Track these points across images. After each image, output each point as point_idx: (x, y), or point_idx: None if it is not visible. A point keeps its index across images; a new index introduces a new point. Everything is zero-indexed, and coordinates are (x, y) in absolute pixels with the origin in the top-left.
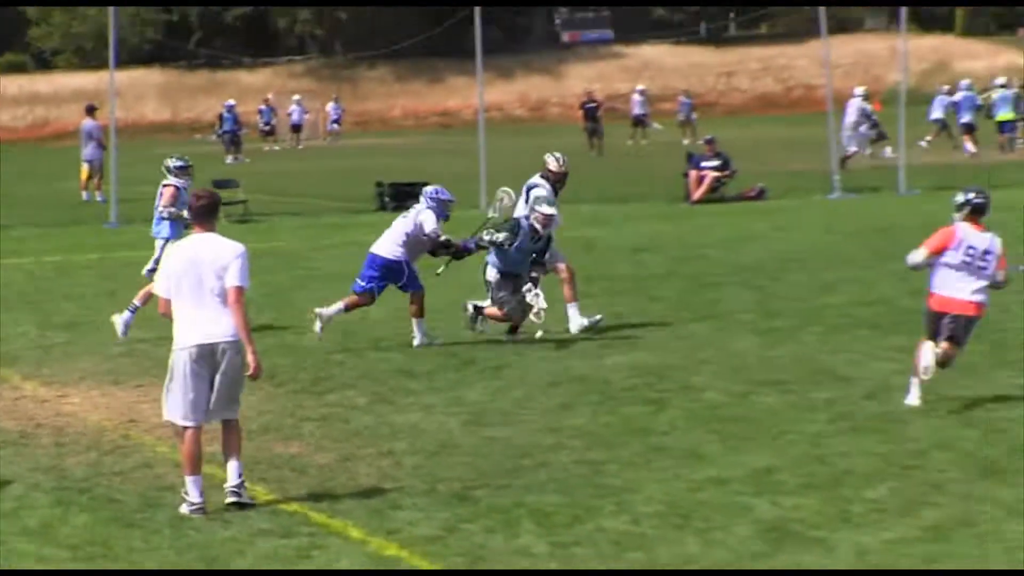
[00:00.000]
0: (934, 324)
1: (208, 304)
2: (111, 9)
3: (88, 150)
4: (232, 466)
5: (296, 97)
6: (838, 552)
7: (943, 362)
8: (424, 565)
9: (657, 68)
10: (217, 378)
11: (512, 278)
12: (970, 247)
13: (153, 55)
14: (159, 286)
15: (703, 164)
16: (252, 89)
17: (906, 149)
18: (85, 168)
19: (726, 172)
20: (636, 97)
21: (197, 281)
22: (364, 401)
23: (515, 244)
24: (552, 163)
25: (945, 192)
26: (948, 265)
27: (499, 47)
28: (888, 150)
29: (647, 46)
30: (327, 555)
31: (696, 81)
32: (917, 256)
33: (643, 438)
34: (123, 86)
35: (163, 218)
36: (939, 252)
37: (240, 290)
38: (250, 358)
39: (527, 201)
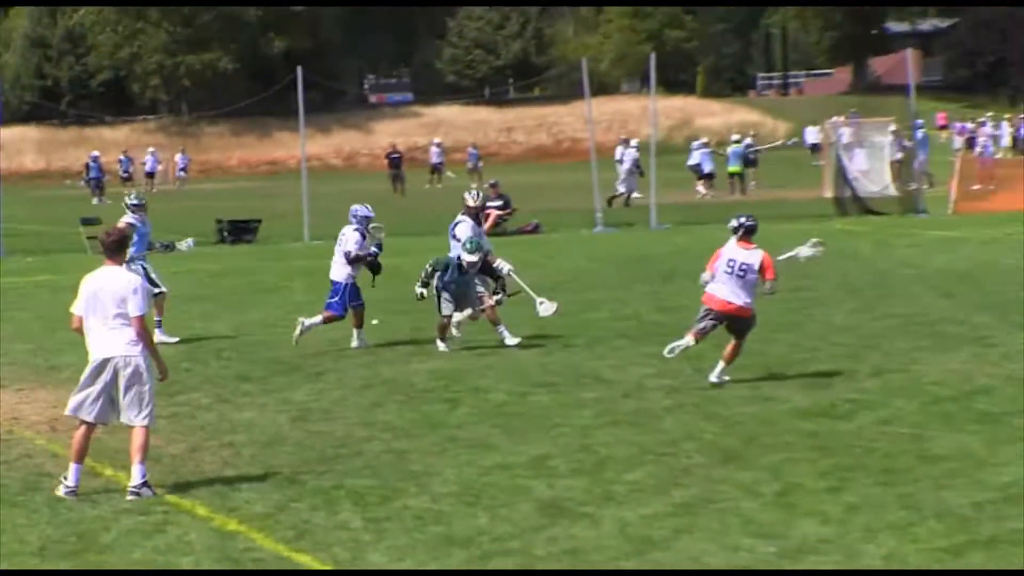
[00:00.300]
0: (701, 316)
1: (109, 325)
2: None
3: None
4: (135, 469)
5: (151, 150)
6: (603, 525)
7: (730, 359)
8: (259, 538)
9: (449, 125)
10: (107, 386)
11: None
12: (730, 260)
13: (30, 115)
14: (75, 307)
15: (488, 204)
16: (113, 143)
17: (656, 191)
18: None
19: (507, 211)
20: (434, 148)
21: (102, 306)
22: (208, 401)
23: (445, 277)
24: (468, 200)
25: (688, 227)
26: (717, 273)
27: (318, 107)
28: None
29: (441, 107)
30: (179, 529)
31: (481, 135)
32: (704, 275)
33: (440, 431)
34: (5, 141)
35: None
36: (714, 268)
37: (141, 318)
38: (160, 366)
39: (455, 239)
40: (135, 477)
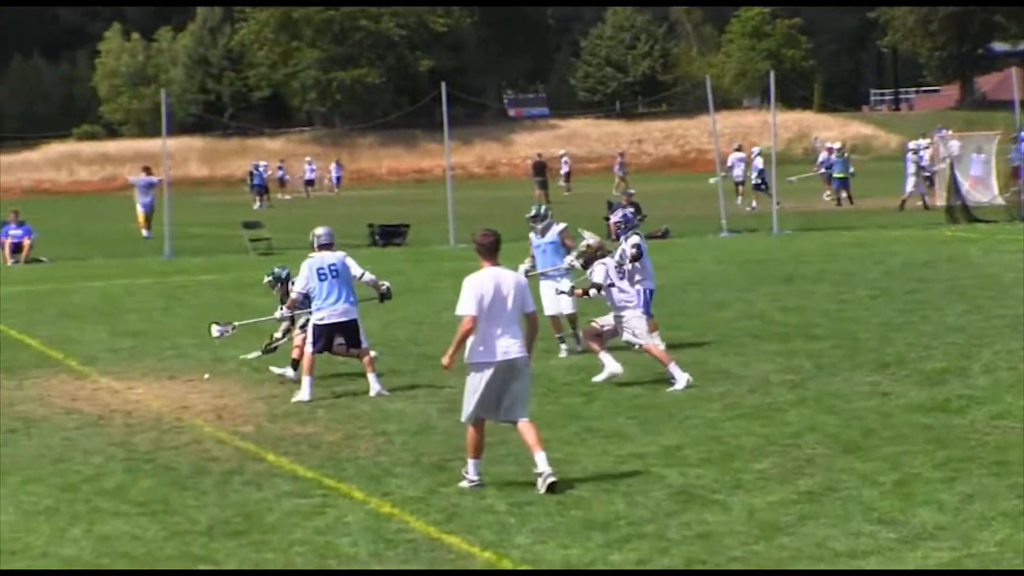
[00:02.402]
0: None
1: (507, 326)
2: (163, 92)
3: (145, 199)
4: (540, 457)
5: (308, 159)
6: (733, 511)
7: None
8: (411, 520)
9: (583, 137)
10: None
11: None
12: None
13: (196, 126)
14: (465, 308)
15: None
16: (272, 153)
17: (777, 198)
18: (141, 211)
19: (639, 217)
20: (564, 159)
21: (500, 304)
22: (362, 392)
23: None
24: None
25: (807, 233)
26: None
27: (461, 120)
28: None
29: (574, 120)
30: (337, 512)
31: (613, 147)
32: None
33: (578, 422)
34: (172, 150)
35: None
36: None
37: (535, 314)
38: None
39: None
40: (543, 464)
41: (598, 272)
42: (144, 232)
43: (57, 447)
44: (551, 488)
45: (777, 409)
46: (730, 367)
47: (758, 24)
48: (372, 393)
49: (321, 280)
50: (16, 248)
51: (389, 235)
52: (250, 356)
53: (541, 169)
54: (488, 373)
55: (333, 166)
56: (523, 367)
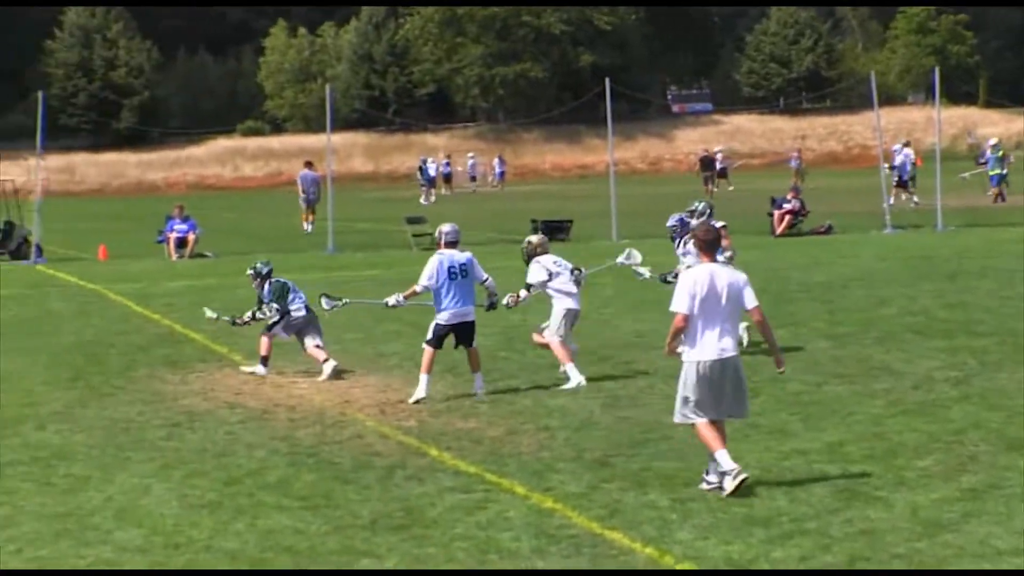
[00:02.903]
0: None
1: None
2: (328, 87)
3: (307, 194)
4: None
5: (471, 154)
6: (896, 508)
7: None
8: (574, 516)
9: (746, 133)
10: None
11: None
12: None
13: (359, 121)
14: (680, 305)
15: (784, 205)
16: (435, 148)
17: (941, 194)
18: (303, 206)
19: (802, 212)
20: (719, 155)
21: (715, 301)
22: (524, 387)
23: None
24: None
25: (971, 229)
26: None
27: (624, 116)
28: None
29: (737, 116)
30: (499, 506)
31: (778, 143)
32: None
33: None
34: (336, 146)
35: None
36: None
37: (760, 309)
38: (777, 356)
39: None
40: (727, 462)
41: (533, 271)
42: (305, 225)
43: (221, 441)
44: (739, 486)
45: (940, 406)
46: (893, 363)
47: (923, 20)
48: (476, 391)
49: (451, 279)
50: (181, 243)
51: (552, 230)
52: (213, 315)
53: (709, 164)
54: (703, 372)
55: (496, 161)
56: (739, 365)
